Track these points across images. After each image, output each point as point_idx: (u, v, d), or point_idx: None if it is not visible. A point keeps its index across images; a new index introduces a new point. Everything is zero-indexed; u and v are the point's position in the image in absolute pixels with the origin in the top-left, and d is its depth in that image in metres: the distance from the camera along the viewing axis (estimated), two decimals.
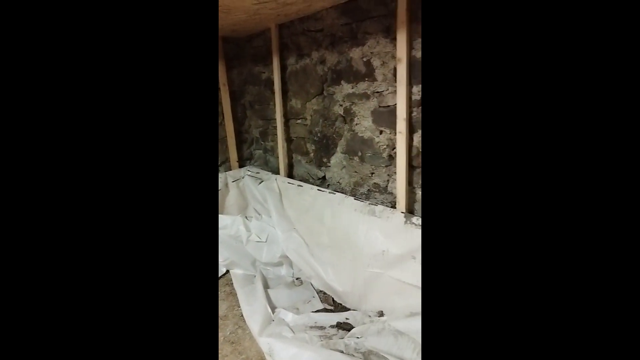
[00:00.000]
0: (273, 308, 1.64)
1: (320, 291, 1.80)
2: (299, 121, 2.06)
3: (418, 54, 1.33)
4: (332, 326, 1.53)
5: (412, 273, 1.37)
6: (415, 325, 1.27)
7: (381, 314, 1.52)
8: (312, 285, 1.84)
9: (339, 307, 1.68)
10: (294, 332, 1.49)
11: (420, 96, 1.36)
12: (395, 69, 1.40)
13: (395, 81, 1.40)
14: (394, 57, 1.42)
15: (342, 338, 1.44)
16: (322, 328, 1.53)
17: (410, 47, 1.33)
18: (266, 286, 1.81)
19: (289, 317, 1.57)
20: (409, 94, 1.37)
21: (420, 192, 1.45)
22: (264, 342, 1.41)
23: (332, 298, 1.74)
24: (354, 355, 1.35)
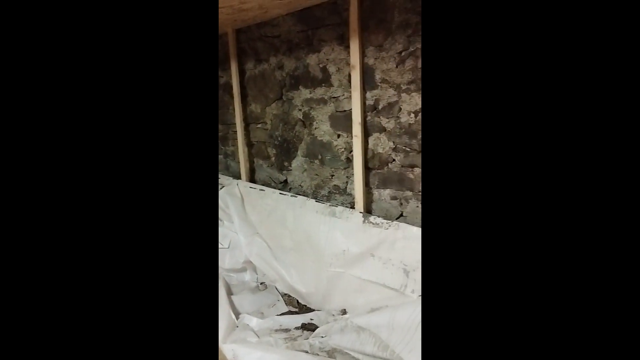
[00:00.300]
0: (237, 314, 1.62)
1: (285, 294, 1.81)
2: (259, 125, 2.06)
3: (370, 61, 1.40)
4: (297, 328, 1.55)
5: (372, 270, 1.43)
6: (375, 320, 1.32)
7: (344, 312, 1.57)
8: (276, 288, 1.85)
9: (303, 309, 1.71)
10: (258, 336, 1.49)
11: (372, 102, 1.43)
12: (349, 75, 1.46)
13: (350, 87, 1.46)
14: (348, 63, 1.48)
15: (306, 339, 1.46)
16: (287, 330, 1.54)
17: (362, 54, 1.40)
18: (230, 293, 1.79)
19: (253, 322, 1.56)
20: (363, 99, 1.44)
21: (376, 193, 1.52)
22: (228, 349, 1.39)
23: (297, 300, 1.76)
24: (318, 354, 1.38)
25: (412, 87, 1.30)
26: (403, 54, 1.30)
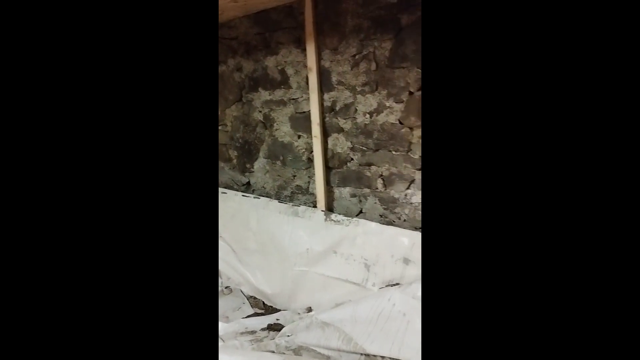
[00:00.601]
0: None
1: (251, 296, 1.80)
2: (219, 127, 2.03)
3: (326, 63, 1.44)
4: (263, 329, 1.55)
5: (335, 267, 1.47)
6: (338, 315, 1.36)
7: (309, 309, 1.59)
8: (242, 292, 1.83)
9: (269, 310, 1.71)
10: (224, 340, 1.47)
11: (330, 103, 1.47)
12: (307, 78, 1.49)
13: (308, 89, 1.49)
14: (305, 66, 1.51)
15: (273, 339, 1.47)
16: (253, 332, 1.54)
17: (319, 57, 1.44)
18: None
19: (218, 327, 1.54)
20: (321, 100, 1.48)
21: (337, 191, 1.56)
22: None
23: (263, 302, 1.75)
24: (284, 353, 1.39)
25: (367, 89, 1.36)
26: (357, 57, 1.36)
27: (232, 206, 1.87)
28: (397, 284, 1.32)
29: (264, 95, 1.73)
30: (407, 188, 1.36)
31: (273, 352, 1.40)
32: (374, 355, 1.26)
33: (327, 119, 1.50)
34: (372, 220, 1.39)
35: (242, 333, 1.53)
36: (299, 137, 1.65)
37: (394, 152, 1.36)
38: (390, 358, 1.22)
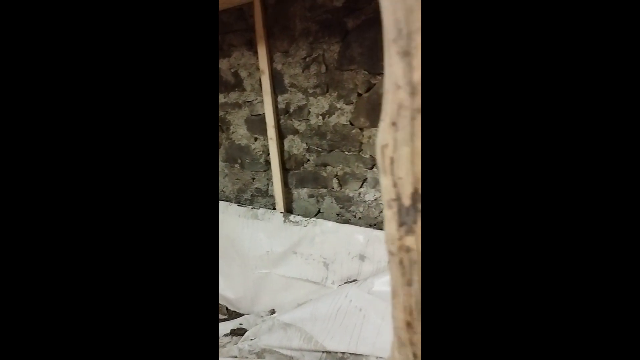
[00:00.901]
0: None
1: None
2: None
3: (278, 66, 1.45)
4: (225, 335, 1.54)
5: (295, 267, 1.49)
6: (299, 315, 1.38)
7: (273, 311, 1.60)
8: None
9: (233, 315, 1.69)
10: None
11: (284, 105, 1.48)
12: (261, 80, 1.50)
13: (262, 91, 1.50)
14: (258, 68, 1.51)
15: (236, 344, 1.46)
16: None
17: (270, 60, 1.44)
18: None
19: None
20: (275, 103, 1.48)
21: (295, 192, 1.57)
22: None
23: (226, 307, 1.74)
24: (247, 357, 1.39)
25: (318, 90, 1.39)
26: (307, 59, 1.38)
27: None
28: (355, 280, 1.36)
29: (219, 97, 1.70)
30: (361, 187, 1.40)
31: (236, 357, 1.39)
32: (334, 352, 1.29)
33: (282, 121, 1.51)
34: (329, 219, 1.42)
35: None
36: (256, 139, 1.64)
37: (346, 153, 1.39)
38: (349, 353, 1.25)
